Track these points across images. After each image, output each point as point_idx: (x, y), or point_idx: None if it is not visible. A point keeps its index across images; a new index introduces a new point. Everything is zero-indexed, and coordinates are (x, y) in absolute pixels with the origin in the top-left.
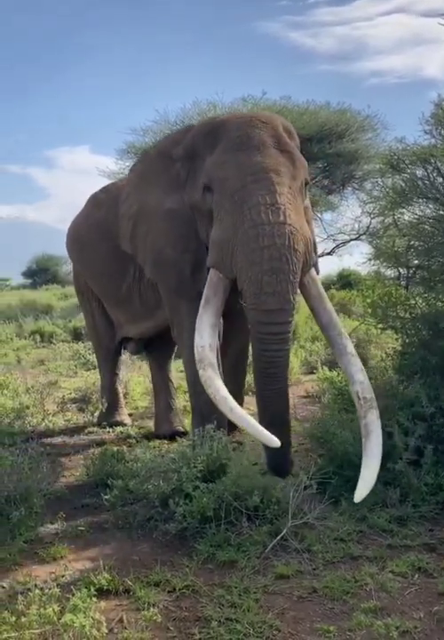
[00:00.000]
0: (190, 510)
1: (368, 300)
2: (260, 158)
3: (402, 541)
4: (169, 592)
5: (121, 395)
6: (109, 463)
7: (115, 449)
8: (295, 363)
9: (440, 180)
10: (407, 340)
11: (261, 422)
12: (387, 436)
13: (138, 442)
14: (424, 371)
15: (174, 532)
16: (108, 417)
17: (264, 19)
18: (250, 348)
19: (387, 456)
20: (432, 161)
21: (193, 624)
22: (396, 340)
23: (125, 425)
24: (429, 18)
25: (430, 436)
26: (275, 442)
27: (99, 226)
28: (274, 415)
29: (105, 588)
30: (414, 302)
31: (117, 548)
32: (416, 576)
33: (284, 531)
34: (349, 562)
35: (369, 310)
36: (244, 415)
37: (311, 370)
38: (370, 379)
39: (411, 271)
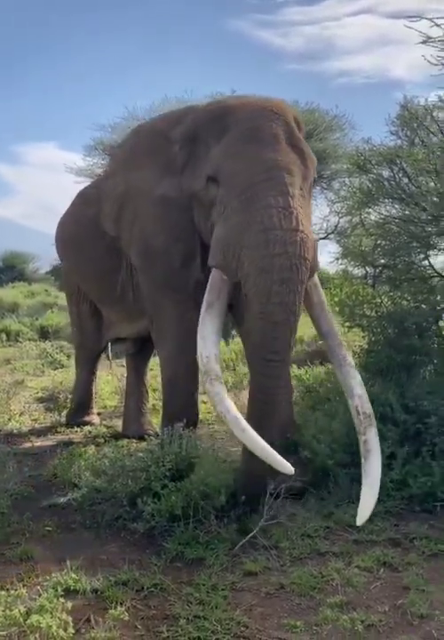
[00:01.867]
0: (158, 509)
1: (336, 299)
2: (273, 154)
3: (368, 537)
4: (137, 591)
5: (94, 396)
6: (77, 463)
7: (83, 449)
8: None
9: (406, 180)
10: (373, 339)
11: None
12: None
13: (106, 441)
14: (389, 368)
15: (142, 531)
16: (77, 417)
17: (233, 16)
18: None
19: (357, 456)
20: (398, 162)
21: (161, 622)
22: (363, 338)
23: (93, 424)
24: (396, 19)
25: (401, 438)
26: (290, 469)
27: (91, 223)
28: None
29: (72, 587)
30: (380, 301)
31: (85, 548)
32: (382, 570)
33: (255, 530)
34: (316, 558)
35: (337, 309)
36: (257, 438)
37: None
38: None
39: (378, 270)
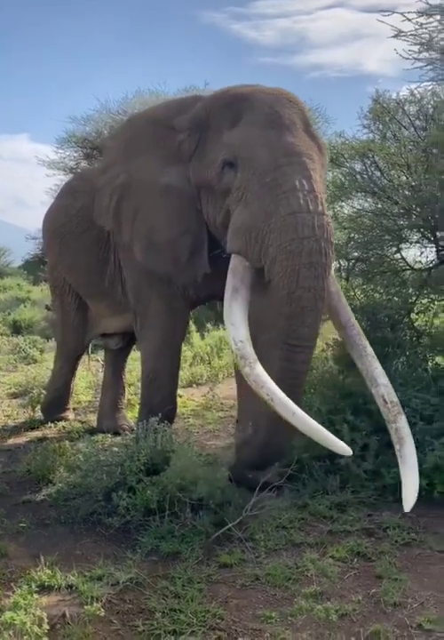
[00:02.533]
0: (134, 503)
1: None
2: (293, 140)
3: (342, 527)
4: (112, 586)
5: (71, 393)
6: (51, 458)
7: (57, 444)
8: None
9: (378, 174)
10: None
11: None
12: (335, 432)
13: (80, 437)
14: None
15: (117, 526)
16: (53, 413)
17: (207, 9)
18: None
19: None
20: (370, 155)
21: (136, 616)
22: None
23: (68, 420)
24: (368, 13)
25: (374, 429)
26: (347, 450)
27: (79, 216)
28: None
29: (47, 583)
30: (353, 294)
31: (59, 544)
32: (355, 560)
33: (237, 520)
34: (291, 549)
35: None
36: (308, 419)
37: None
38: (312, 369)
39: (351, 263)
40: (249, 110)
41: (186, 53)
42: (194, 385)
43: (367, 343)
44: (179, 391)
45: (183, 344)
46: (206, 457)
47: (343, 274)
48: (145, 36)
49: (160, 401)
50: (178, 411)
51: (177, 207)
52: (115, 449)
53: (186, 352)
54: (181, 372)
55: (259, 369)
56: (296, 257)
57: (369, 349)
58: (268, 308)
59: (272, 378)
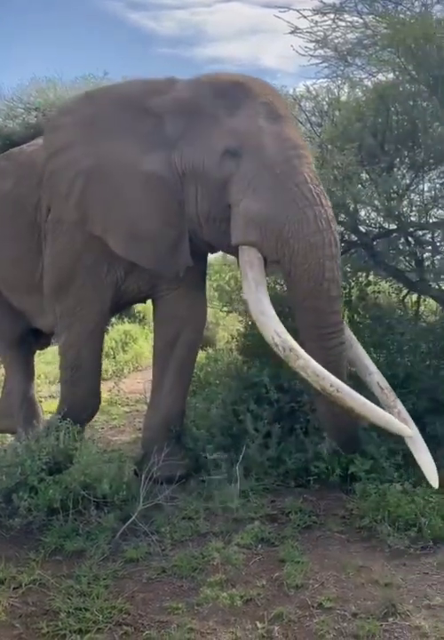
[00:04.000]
0: (36, 503)
1: (215, 284)
2: (292, 132)
3: (246, 514)
4: (14, 588)
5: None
6: None
7: None
8: (145, 347)
9: None
10: (250, 323)
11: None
12: (238, 422)
13: None
14: (265, 351)
15: (19, 527)
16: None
17: None
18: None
19: (238, 439)
20: None
21: (40, 618)
22: (240, 322)
23: None
24: (266, 8)
25: (275, 418)
26: (409, 432)
27: (6, 200)
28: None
29: None
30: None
31: None
32: (259, 546)
33: (134, 516)
34: (197, 539)
35: (216, 294)
36: (377, 408)
37: None
38: (217, 360)
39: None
40: (248, 99)
41: (83, 41)
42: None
43: (351, 334)
44: None
45: None
46: (111, 453)
47: None
48: (40, 23)
49: (84, 393)
50: None
51: (161, 197)
52: (17, 448)
53: None
54: None
55: (314, 361)
56: (319, 249)
57: (355, 338)
58: (291, 302)
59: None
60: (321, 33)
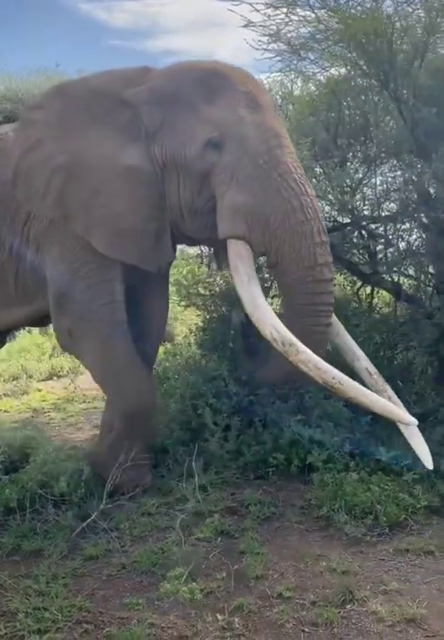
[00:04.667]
0: None
1: (173, 279)
2: (273, 122)
3: (206, 508)
4: None
5: None
6: None
7: None
8: None
9: None
10: (208, 316)
11: None
12: (197, 416)
13: None
14: (223, 345)
15: None
16: None
17: None
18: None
19: (198, 433)
20: None
21: None
22: (198, 316)
23: None
24: (220, 1)
25: (234, 411)
26: (412, 420)
27: None
28: None
29: None
30: (214, 280)
31: None
32: (219, 539)
33: (93, 515)
34: (156, 534)
35: (174, 288)
36: (380, 399)
37: None
38: (175, 355)
39: (211, 250)
40: (227, 87)
41: (33, 32)
42: (55, 377)
43: (337, 319)
44: (39, 385)
45: (42, 334)
46: (69, 451)
47: (205, 260)
48: None
49: (132, 389)
50: (37, 405)
51: (142, 191)
52: None
53: (45, 343)
54: (40, 365)
55: (315, 354)
56: (308, 237)
57: (341, 325)
58: (282, 294)
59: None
60: (274, 27)
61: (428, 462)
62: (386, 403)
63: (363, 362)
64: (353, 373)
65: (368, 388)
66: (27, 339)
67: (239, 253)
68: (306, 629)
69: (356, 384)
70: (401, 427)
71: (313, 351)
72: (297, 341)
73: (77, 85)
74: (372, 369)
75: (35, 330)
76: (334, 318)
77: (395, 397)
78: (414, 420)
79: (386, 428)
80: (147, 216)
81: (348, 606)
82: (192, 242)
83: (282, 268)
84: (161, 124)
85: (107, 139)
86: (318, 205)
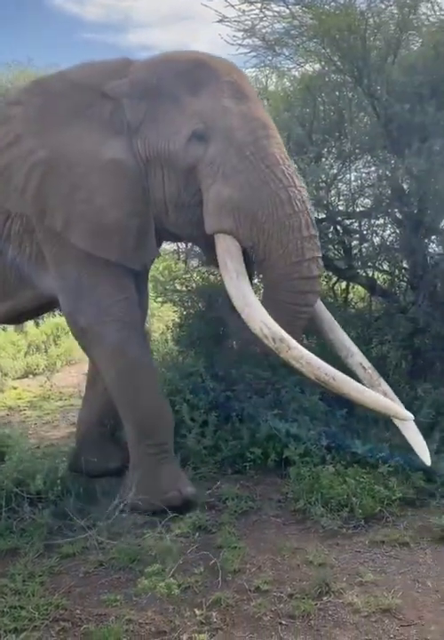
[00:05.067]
0: None
1: (149, 274)
2: (260, 112)
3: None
4: None
5: None
6: None
7: None
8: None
9: None
10: (184, 313)
11: None
12: (175, 412)
13: None
14: (200, 341)
15: None
16: None
17: None
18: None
19: (175, 429)
20: None
21: None
22: (174, 312)
23: None
24: None
25: (211, 406)
26: (407, 415)
27: None
28: None
29: None
30: (190, 276)
31: None
32: (197, 534)
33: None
34: (134, 531)
35: (150, 284)
36: (376, 395)
37: None
38: (152, 351)
39: (188, 245)
40: (211, 78)
41: (4, 27)
42: (30, 375)
43: (331, 314)
44: (14, 383)
45: (17, 332)
46: (45, 448)
47: (181, 256)
48: None
49: (150, 401)
50: (12, 403)
51: (125, 186)
52: None
53: (20, 341)
54: (15, 363)
55: (304, 349)
56: (296, 231)
57: (334, 320)
58: (266, 287)
59: None
60: (249, 22)
61: (426, 458)
62: (380, 398)
63: (357, 357)
64: (347, 369)
65: (363, 383)
66: (2, 336)
67: (227, 249)
68: (284, 622)
69: (349, 379)
70: (397, 422)
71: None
72: (289, 337)
73: (57, 80)
74: (366, 364)
75: (10, 327)
76: (327, 314)
77: (391, 392)
78: (409, 416)
79: (362, 421)
80: (130, 211)
81: (325, 598)
82: (176, 238)
83: (270, 264)
84: (143, 118)
85: (87, 133)
86: (307, 197)
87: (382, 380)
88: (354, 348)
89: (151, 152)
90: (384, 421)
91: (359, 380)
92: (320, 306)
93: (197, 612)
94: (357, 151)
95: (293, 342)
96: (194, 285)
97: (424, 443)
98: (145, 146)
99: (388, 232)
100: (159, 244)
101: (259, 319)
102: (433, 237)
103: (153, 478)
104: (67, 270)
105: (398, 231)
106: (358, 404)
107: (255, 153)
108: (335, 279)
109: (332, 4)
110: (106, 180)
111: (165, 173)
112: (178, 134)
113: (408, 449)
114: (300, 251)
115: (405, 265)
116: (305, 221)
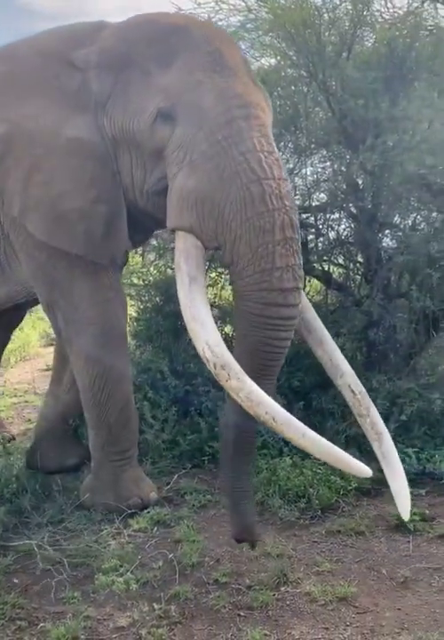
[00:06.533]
0: None
1: None
2: (242, 88)
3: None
4: None
5: None
6: None
7: None
8: (32, 335)
9: None
10: (142, 306)
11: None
12: (137, 410)
13: None
14: (158, 335)
15: None
16: None
17: None
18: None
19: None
20: None
21: None
22: (132, 306)
23: None
24: None
25: (171, 402)
26: (367, 472)
27: None
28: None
29: None
30: (147, 270)
31: None
32: (155, 529)
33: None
34: (92, 527)
35: None
36: (322, 440)
37: (51, 342)
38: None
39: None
40: (186, 46)
41: None
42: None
43: (323, 326)
44: None
45: None
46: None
47: (138, 250)
48: None
49: (115, 422)
50: None
51: (88, 167)
52: None
53: None
54: None
55: (250, 381)
56: (268, 233)
57: (327, 333)
58: (235, 296)
59: (243, 359)
60: (205, 15)
61: (404, 514)
62: (331, 448)
63: (347, 377)
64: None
65: (350, 408)
66: None
67: (185, 249)
68: (242, 613)
69: (295, 422)
70: (383, 462)
71: (265, 366)
72: (235, 366)
73: (23, 48)
74: (357, 388)
75: None
76: (318, 323)
77: (380, 424)
78: (367, 472)
79: (318, 413)
80: (95, 197)
81: (282, 588)
82: (160, 226)
83: (238, 270)
84: (111, 91)
85: (51, 107)
86: (287, 193)
87: (372, 409)
88: (346, 368)
89: (117, 131)
90: (341, 414)
91: (346, 404)
92: (309, 314)
93: (156, 606)
94: (313, 146)
95: (237, 371)
96: (151, 279)
97: (408, 498)
98: (111, 124)
99: (343, 226)
100: (146, 236)
101: (203, 339)
102: (387, 232)
103: (114, 483)
104: (40, 261)
105: (353, 226)
106: (307, 451)
107: (228, 137)
108: None
109: None
110: (67, 161)
111: (132, 156)
112: (143, 113)
113: (364, 440)
114: (271, 256)
115: (360, 259)
116: (281, 222)
